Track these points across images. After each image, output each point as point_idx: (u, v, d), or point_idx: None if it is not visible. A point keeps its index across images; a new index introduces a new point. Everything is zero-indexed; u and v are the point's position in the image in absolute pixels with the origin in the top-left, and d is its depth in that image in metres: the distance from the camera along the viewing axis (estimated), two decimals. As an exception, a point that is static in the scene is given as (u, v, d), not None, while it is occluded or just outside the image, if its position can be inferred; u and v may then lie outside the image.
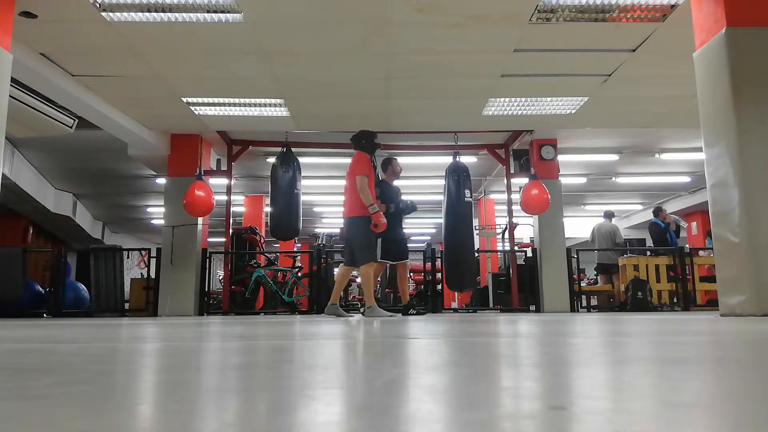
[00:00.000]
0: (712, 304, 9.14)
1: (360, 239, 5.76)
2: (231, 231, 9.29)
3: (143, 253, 8.77)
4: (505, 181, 9.63)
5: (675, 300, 9.10)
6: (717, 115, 4.14)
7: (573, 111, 7.78)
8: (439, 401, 0.74)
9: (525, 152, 9.45)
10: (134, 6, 4.97)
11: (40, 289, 8.88)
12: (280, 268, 9.45)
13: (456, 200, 8.20)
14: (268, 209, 11.35)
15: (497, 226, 12.89)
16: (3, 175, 5.82)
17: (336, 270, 12.54)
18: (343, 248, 6.27)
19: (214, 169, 9.28)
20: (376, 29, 5.46)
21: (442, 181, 8.54)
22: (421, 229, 19.35)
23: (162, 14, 5.10)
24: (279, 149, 8.64)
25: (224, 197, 9.20)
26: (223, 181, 9.41)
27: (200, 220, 8.61)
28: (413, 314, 6.36)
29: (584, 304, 10.44)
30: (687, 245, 11.20)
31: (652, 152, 10.37)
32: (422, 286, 10.28)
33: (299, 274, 9.26)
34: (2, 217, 12.10)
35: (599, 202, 14.51)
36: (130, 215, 15.84)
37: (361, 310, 6.51)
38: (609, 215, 10.29)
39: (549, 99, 7.35)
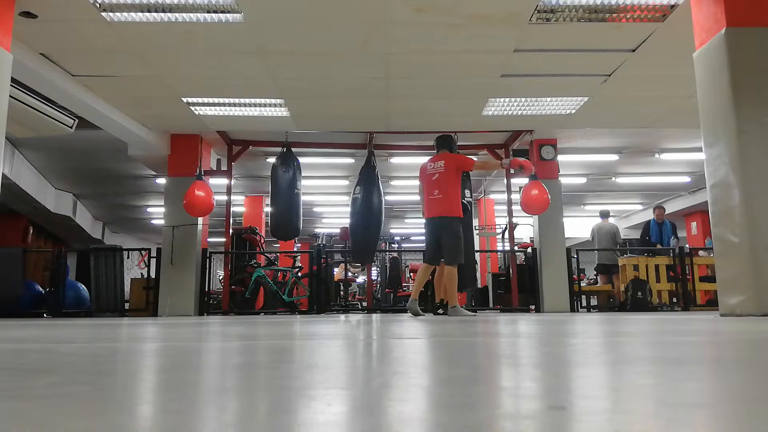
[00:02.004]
0: (712, 304, 9.14)
1: (454, 239, 5.82)
2: (231, 231, 9.29)
3: (143, 253, 8.77)
4: (505, 181, 9.63)
5: (675, 300, 9.09)
6: (717, 115, 4.14)
7: (573, 111, 7.78)
8: (439, 401, 0.74)
9: (525, 152, 9.44)
10: (134, 6, 4.97)
11: (40, 289, 8.88)
12: (280, 268, 9.45)
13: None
14: (268, 209, 11.34)
15: (497, 226, 12.89)
16: (3, 175, 5.82)
17: (336, 270, 12.57)
18: (426, 246, 6.11)
19: (214, 169, 9.28)
20: (376, 29, 5.46)
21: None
22: (421, 228, 19.32)
23: (162, 14, 5.11)
24: (279, 149, 8.64)
25: (224, 197, 9.20)
26: (223, 181, 9.41)
27: (200, 220, 8.62)
28: (441, 314, 6.47)
29: (584, 304, 10.44)
30: (686, 245, 11.18)
31: (652, 152, 10.36)
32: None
33: (299, 274, 9.26)
34: (2, 217, 12.10)
35: (599, 202, 14.50)
36: (130, 215, 15.84)
37: (440, 310, 6.69)
38: (605, 215, 10.29)
39: (549, 99, 7.35)
